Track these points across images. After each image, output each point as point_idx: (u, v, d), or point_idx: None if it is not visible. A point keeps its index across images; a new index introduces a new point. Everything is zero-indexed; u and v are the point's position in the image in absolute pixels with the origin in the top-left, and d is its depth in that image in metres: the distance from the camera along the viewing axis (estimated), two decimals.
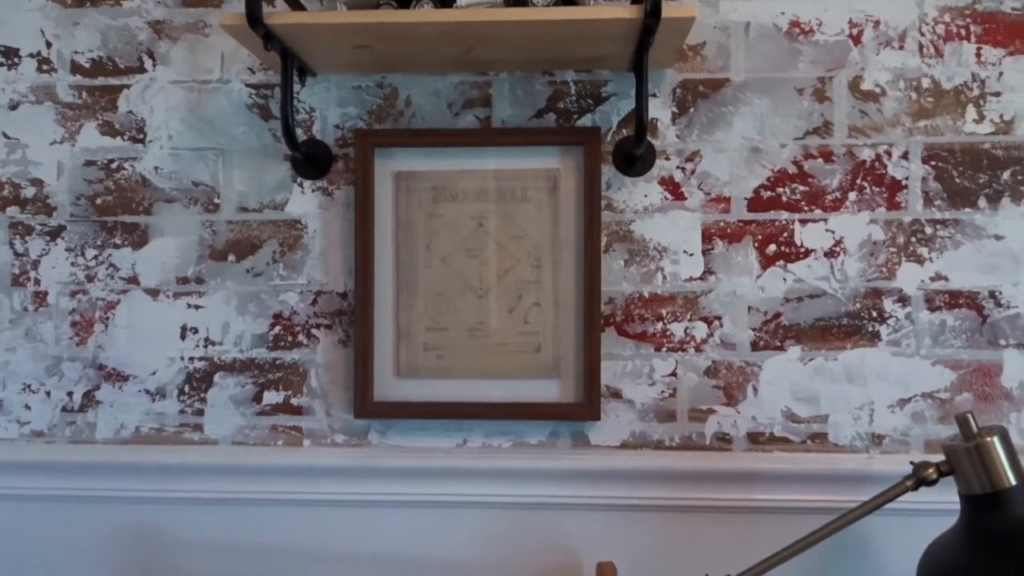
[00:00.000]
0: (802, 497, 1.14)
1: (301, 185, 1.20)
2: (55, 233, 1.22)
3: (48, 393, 1.22)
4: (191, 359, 1.21)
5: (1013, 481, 0.89)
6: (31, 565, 1.20)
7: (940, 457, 0.94)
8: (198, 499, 1.18)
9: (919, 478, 0.93)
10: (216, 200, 1.21)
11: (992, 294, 1.16)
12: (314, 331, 1.20)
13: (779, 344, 1.17)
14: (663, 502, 1.16)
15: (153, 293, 1.21)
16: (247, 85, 1.21)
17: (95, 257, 1.21)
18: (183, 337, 1.21)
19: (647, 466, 1.16)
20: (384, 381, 1.18)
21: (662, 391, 1.18)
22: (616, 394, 1.18)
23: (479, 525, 1.17)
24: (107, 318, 1.21)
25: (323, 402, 1.20)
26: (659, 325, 1.18)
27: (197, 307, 1.21)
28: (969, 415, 0.92)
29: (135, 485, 1.18)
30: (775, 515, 1.13)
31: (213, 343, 1.21)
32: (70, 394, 1.21)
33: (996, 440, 0.90)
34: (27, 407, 1.22)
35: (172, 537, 1.19)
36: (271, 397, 1.20)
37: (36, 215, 1.22)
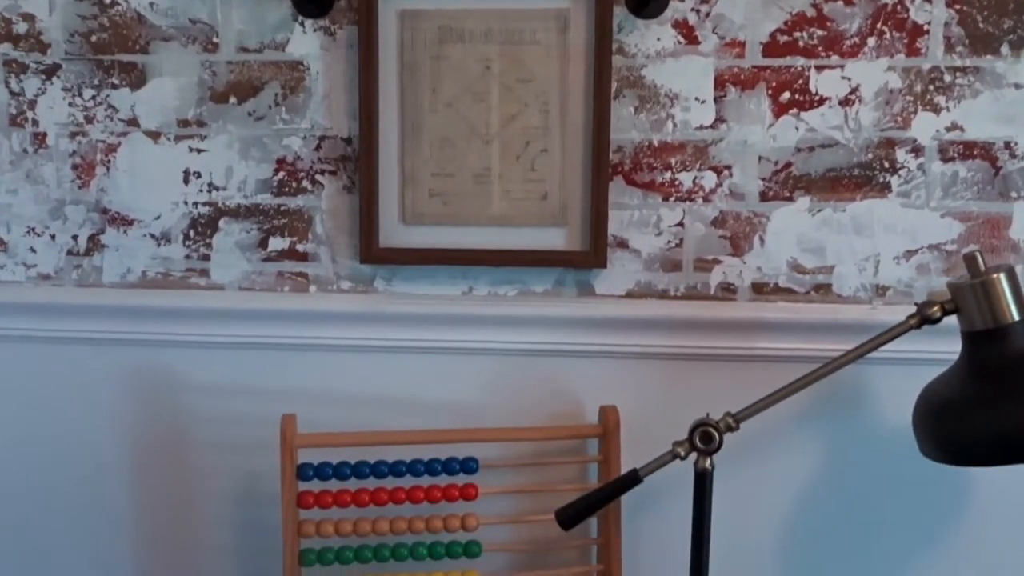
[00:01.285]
0: (804, 346, 1.15)
1: (302, 24, 1.16)
2: (51, 72, 1.18)
3: (53, 236, 1.21)
4: (195, 204, 1.20)
5: (1016, 316, 0.89)
6: (38, 405, 1.22)
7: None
8: (205, 343, 1.19)
9: (923, 316, 0.93)
10: (215, 39, 1.17)
11: (1007, 144, 1.14)
12: (318, 177, 1.19)
13: (788, 195, 1.16)
14: (666, 350, 1.17)
15: (154, 136, 1.19)
16: None
17: (93, 98, 1.19)
18: (186, 182, 1.19)
19: (651, 315, 1.17)
20: (389, 227, 1.18)
21: (668, 241, 1.18)
22: (622, 243, 1.18)
23: (485, 370, 1.19)
24: (108, 161, 1.20)
25: (328, 249, 1.19)
26: (668, 174, 1.17)
27: (199, 151, 1.19)
28: (977, 254, 0.92)
29: (142, 328, 1.19)
30: (776, 363, 1.14)
31: (217, 188, 1.19)
32: (75, 237, 1.21)
33: (1002, 276, 0.90)
34: (32, 250, 1.22)
35: (178, 380, 1.21)
36: (276, 243, 1.20)
37: (30, 52, 1.18)
